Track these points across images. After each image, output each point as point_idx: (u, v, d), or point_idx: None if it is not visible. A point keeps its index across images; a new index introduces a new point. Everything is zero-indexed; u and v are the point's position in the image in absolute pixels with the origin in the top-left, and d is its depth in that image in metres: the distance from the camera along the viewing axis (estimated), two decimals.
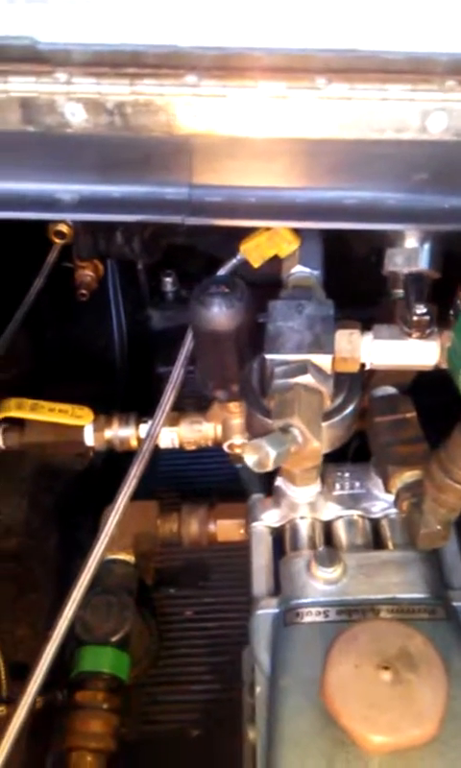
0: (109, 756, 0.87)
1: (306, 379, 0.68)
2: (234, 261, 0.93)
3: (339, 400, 0.74)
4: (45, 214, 0.68)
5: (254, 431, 0.79)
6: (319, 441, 0.64)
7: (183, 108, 0.61)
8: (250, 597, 0.84)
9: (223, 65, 0.58)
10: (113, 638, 0.93)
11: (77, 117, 0.62)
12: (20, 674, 1.09)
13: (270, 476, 1.24)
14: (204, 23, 0.56)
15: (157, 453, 1.13)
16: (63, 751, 0.89)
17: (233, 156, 0.67)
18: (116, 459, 1.21)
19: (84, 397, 1.14)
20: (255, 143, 0.64)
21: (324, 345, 0.70)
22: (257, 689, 0.75)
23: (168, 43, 0.57)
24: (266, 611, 0.80)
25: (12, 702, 1.00)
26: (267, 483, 1.23)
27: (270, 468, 0.62)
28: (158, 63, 0.59)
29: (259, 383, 0.77)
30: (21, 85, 0.61)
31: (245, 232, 0.94)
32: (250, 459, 0.62)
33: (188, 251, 1.42)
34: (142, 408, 1.23)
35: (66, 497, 1.36)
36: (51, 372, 1.52)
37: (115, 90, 0.60)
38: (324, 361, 0.69)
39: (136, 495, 1.08)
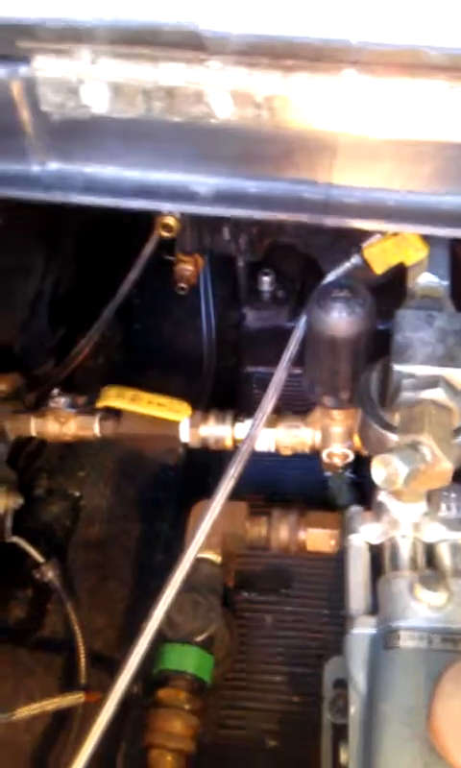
0: (187, 758, 0.86)
1: (437, 394, 0.65)
2: (348, 265, 0.91)
3: None
4: (181, 206, 0.66)
5: (369, 443, 0.76)
6: (450, 460, 0.61)
7: (336, 104, 0.59)
8: (345, 613, 0.82)
9: (385, 61, 0.55)
10: (198, 638, 0.92)
11: (224, 108, 0.61)
12: (98, 663, 1.10)
13: (360, 490, 1.22)
14: (374, 17, 0.53)
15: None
16: (140, 746, 0.88)
17: (376, 156, 0.64)
18: (198, 456, 1.21)
19: (169, 391, 1.14)
20: (402, 145, 0.62)
21: (457, 359, 0.66)
22: (352, 710, 0.73)
23: (331, 36, 0.55)
24: (363, 630, 0.77)
25: (89, 690, 1.01)
26: (357, 496, 1.21)
27: (399, 485, 0.59)
28: (316, 56, 0.57)
29: (379, 394, 0.74)
30: (171, 73, 0.59)
31: (355, 236, 0.91)
32: (378, 474, 0.59)
33: (287, 251, 1.41)
34: (226, 406, 1.23)
35: (149, 489, 1.36)
36: (139, 363, 1.52)
37: (268, 82, 0.58)
38: (456, 376, 0.66)
39: None
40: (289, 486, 1.26)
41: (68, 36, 0.57)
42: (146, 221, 1.24)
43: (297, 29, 0.55)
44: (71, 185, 0.67)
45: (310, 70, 0.57)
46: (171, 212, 1.15)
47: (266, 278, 1.47)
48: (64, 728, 1.05)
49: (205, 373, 1.54)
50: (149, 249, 1.30)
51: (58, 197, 0.68)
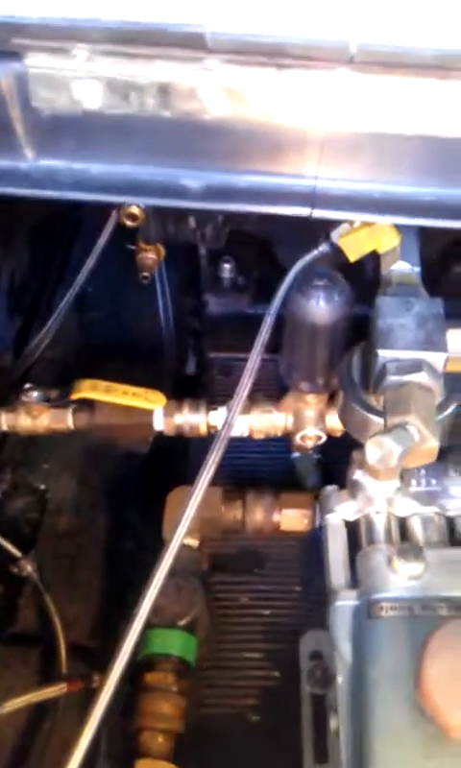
0: (176, 738, 0.88)
1: (421, 377, 0.69)
2: (316, 252, 0.93)
3: (441, 399, 0.74)
4: (171, 201, 0.68)
5: (352, 425, 0.79)
6: (437, 439, 0.65)
7: (328, 101, 0.61)
8: (327, 588, 0.86)
9: (379, 60, 0.58)
10: (182, 622, 0.94)
11: (217, 105, 0.62)
12: (75, 652, 1.11)
13: (325, 470, 1.26)
14: (366, 17, 0.56)
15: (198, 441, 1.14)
16: (129, 730, 0.90)
17: (362, 150, 0.67)
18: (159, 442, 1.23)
19: (130, 379, 1.15)
20: (386, 138, 0.65)
21: (437, 343, 0.70)
22: (339, 679, 0.77)
23: (327, 36, 0.57)
24: (346, 602, 0.81)
25: (71, 680, 1.02)
26: (322, 476, 1.25)
27: (393, 464, 0.63)
28: (309, 55, 0.59)
29: (361, 378, 0.78)
30: (166, 71, 0.61)
31: (316, 224, 0.94)
32: (373, 455, 0.63)
33: (245, 238, 1.43)
34: (192, 393, 1.24)
35: (114, 478, 1.37)
36: (97, 352, 1.52)
37: (262, 79, 0.60)
38: (437, 360, 0.70)
39: (186, 481, 1.09)
40: (255, 467, 1.29)
41: (65, 35, 0.58)
42: (100, 209, 1.24)
43: (293, 28, 0.57)
44: (61, 182, 0.68)
45: (304, 68, 0.60)
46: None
47: (227, 266, 1.48)
48: (46, 719, 1.06)
49: (165, 360, 1.56)
50: (105, 237, 1.30)
51: (47, 193, 0.69)
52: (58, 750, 1.02)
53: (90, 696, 1.06)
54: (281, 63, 0.59)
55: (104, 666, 1.07)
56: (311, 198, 0.67)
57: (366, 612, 0.78)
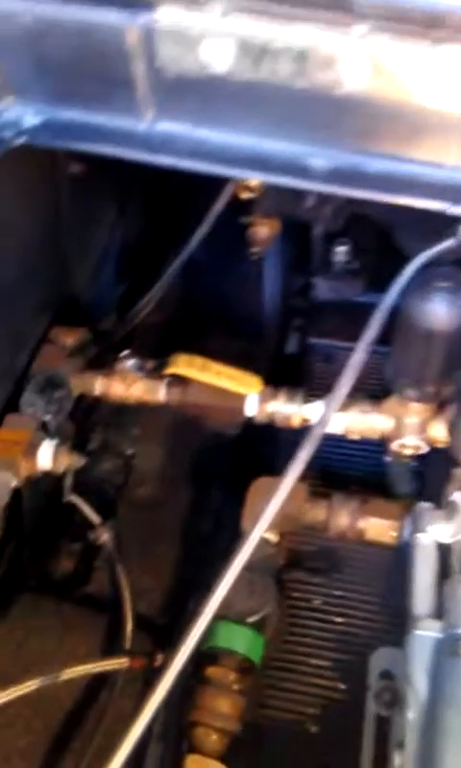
0: (231, 738, 0.85)
1: None
2: (443, 246, 0.85)
3: None
4: (294, 181, 0.62)
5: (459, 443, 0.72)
6: None
7: None
8: (408, 612, 0.79)
9: None
10: (251, 619, 0.90)
11: (356, 78, 0.55)
12: (142, 625, 1.10)
13: (421, 477, 1.18)
14: None
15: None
16: (185, 720, 0.87)
17: None
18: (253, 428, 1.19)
19: (228, 354, 1.10)
20: None
21: None
22: (410, 715, 0.71)
23: None
24: (428, 633, 0.74)
25: (134, 656, 1.01)
26: (416, 484, 1.17)
27: None
28: None
29: None
30: (306, 34, 0.54)
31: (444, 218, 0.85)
32: None
33: (364, 222, 1.35)
34: (288, 376, 1.19)
35: (202, 455, 1.34)
36: (199, 323, 1.49)
37: (414, 53, 0.53)
38: None
39: (273, 469, 1.05)
40: (347, 462, 1.23)
41: None
42: (218, 178, 1.19)
43: None
44: (179, 148, 0.63)
45: None
46: None
47: (341, 248, 1.41)
48: (103, 689, 1.06)
49: (266, 338, 1.51)
50: (219, 206, 1.25)
51: (162, 160, 0.64)
52: (113, 722, 1.02)
53: (151, 674, 1.06)
54: (437, 36, 0.52)
55: (168, 644, 1.06)
56: (452, 191, 0.60)
57: (450, 647, 0.71)
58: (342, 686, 0.97)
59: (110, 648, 1.10)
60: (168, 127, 0.63)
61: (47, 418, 0.95)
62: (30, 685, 0.88)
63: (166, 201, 1.49)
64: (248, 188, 1.16)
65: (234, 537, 1.00)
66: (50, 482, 1.06)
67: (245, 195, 1.17)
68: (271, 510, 0.82)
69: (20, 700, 0.93)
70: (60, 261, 1.19)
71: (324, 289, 1.43)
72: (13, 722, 1.03)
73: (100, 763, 0.98)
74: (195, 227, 1.32)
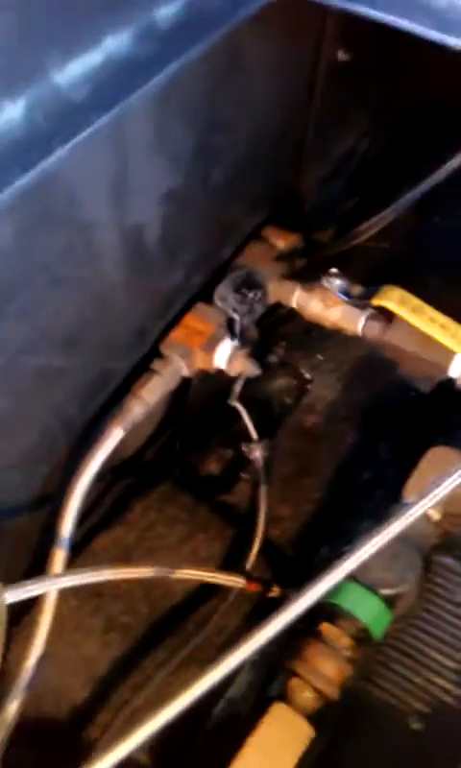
0: (326, 703, 0.79)
1: None
2: None
3: None
4: None
5: None
6: None
7: None
8: None
9: None
10: (385, 591, 0.82)
11: None
12: (268, 550, 1.06)
13: None
14: None
15: None
16: (283, 665, 0.82)
17: None
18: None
19: (447, 303, 0.97)
20: None
21: None
22: None
23: None
24: None
25: (252, 579, 0.97)
26: None
27: None
28: None
29: None
30: None
31: None
32: None
33: None
34: None
35: (381, 403, 1.24)
36: (424, 262, 1.35)
37: None
38: None
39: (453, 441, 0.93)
40: None
41: None
42: None
43: None
44: None
45: None
46: None
47: None
48: (212, 599, 1.04)
49: None
50: None
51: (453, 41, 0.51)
52: (212, 632, 1.02)
53: (262, 602, 1.03)
54: None
55: (287, 579, 1.02)
56: None
57: None
58: (459, 693, 0.86)
59: (230, 562, 1.08)
60: None
61: (236, 316, 0.89)
62: (146, 572, 0.86)
63: (418, 126, 1.33)
64: None
65: (389, 499, 0.92)
66: (219, 382, 1.02)
67: None
68: (445, 485, 0.72)
69: (134, 579, 0.93)
70: (295, 156, 1.09)
71: None
72: (122, 597, 1.05)
73: (188, 666, 0.98)
74: (445, 159, 1.17)
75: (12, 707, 0.72)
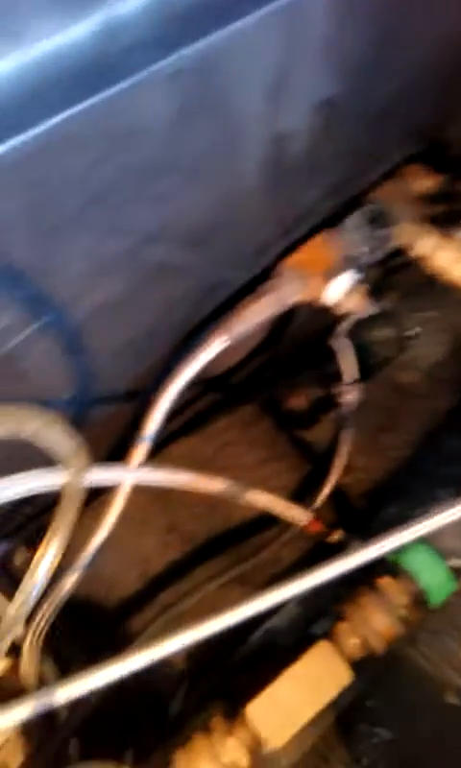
0: (370, 655, 0.77)
1: None
2: None
3: None
4: None
5: None
6: None
7: None
8: None
9: None
10: (454, 561, 0.79)
11: None
12: (335, 497, 1.04)
13: None
14: None
15: None
16: (331, 608, 0.81)
17: None
18: None
19: None
20: None
21: None
22: None
23: None
24: None
25: (317, 519, 0.95)
26: None
27: None
28: None
29: None
30: None
31: None
32: None
33: None
34: None
35: None
36: None
37: None
38: None
39: None
40: None
41: None
42: None
43: None
44: None
45: None
46: None
47: None
48: (272, 529, 1.04)
49: None
50: None
51: None
52: (263, 563, 1.01)
53: (320, 546, 1.01)
54: None
55: (349, 530, 1.00)
56: None
57: None
58: None
59: (298, 497, 1.07)
60: None
61: (362, 250, 0.84)
62: (221, 485, 0.85)
63: None
64: None
65: None
66: (323, 321, 0.98)
67: None
68: None
69: (204, 492, 0.93)
70: (455, 94, 1.00)
71: None
72: (189, 507, 1.06)
73: (236, 586, 0.98)
74: None
75: (70, 579, 0.73)
